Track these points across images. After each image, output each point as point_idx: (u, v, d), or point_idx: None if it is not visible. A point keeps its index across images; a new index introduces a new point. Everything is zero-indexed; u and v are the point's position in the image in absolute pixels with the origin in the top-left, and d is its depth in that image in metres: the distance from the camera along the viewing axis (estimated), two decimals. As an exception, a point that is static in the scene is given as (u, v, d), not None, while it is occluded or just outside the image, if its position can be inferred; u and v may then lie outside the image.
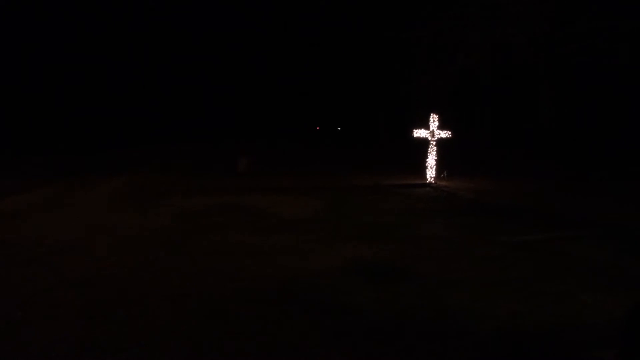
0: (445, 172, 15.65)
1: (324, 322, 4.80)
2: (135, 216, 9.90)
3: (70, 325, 4.72)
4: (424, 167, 15.05)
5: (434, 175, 14.93)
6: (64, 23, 27.86)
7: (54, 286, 5.77)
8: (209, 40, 31.51)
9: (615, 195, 13.04)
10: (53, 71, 27.44)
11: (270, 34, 30.81)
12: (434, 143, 14.87)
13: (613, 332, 4.16)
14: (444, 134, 14.81)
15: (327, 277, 6.14)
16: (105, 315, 4.93)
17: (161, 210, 10.45)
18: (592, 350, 4.10)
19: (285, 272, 6.34)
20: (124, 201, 11.64)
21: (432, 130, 14.76)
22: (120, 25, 29.88)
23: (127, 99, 31.05)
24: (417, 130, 14.81)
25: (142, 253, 7.18)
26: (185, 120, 30.81)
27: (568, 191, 13.68)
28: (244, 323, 4.77)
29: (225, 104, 32.44)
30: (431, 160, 14.90)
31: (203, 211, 10.38)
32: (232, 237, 8.19)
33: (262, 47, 31.53)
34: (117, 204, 11.33)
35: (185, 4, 30.33)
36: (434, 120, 14.80)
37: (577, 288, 5.79)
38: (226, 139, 27.47)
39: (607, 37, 18.29)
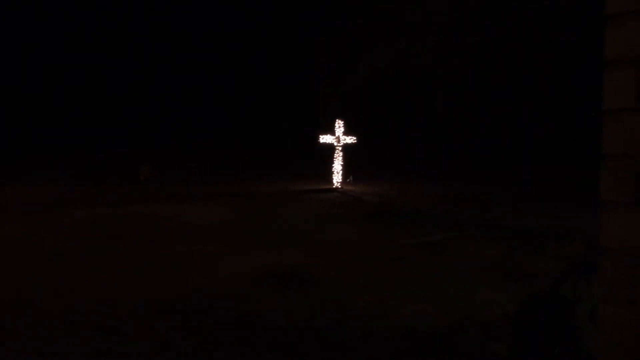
0: (350, 176, 15.96)
1: (230, 331, 4.70)
2: (24, 229, 9.20)
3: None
4: (330, 172, 15.26)
5: (340, 180, 15.18)
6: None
7: None
8: (115, 41, 30.10)
9: (510, 195, 13.90)
10: None
11: (172, 37, 29.97)
12: (340, 148, 15.13)
13: (507, 325, 4.40)
14: (349, 140, 15.11)
15: (234, 286, 6.03)
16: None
17: (53, 223, 9.78)
18: (488, 345, 4.31)
19: (190, 282, 6.16)
20: (10, 213, 10.78)
21: (338, 136, 15.02)
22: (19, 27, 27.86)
23: (16, 102, 28.92)
24: (322, 135, 15.01)
25: (32, 268, 6.67)
26: (81, 126, 29.09)
27: (467, 193, 14.42)
28: (143, 338, 4.56)
29: (124, 110, 31.03)
30: (337, 165, 15.15)
31: (101, 222, 9.86)
32: (132, 248, 7.83)
33: (166, 50, 30.59)
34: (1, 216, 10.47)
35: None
36: (339, 126, 15.07)
37: (475, 285, 6.10)
38: (126, 146, 26.32)
39: (499, 48, 19.58)
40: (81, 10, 28.70)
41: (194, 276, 6.42)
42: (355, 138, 15.18)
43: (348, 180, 15.87)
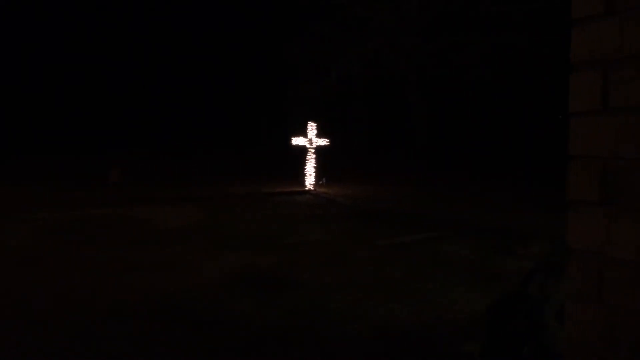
0: (323, 178, 15.98)
1: (202, 335, 4.65)
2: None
3: None
4: (303, 175, 15.25)
5: (313, 183, 15.18)
6: None
7: None
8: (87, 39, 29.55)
9: (484, 196, 14.09)
10: None
11: (147, 40, 29.63)
12: (313, 150, 15.13)
13: (480, 325, 4.45)
14: (322, 142, 15.13)
15: (208, 289, 5.97)
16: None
17: (21, 225, 9.54)
18: (461, 344, 4.35)
19: (163, 285, 6.07)
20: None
21: (311, 138, 15.02)
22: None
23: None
24: (295, 138, 15.00)
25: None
26: (51, 127, 28.48)
27: (439, 194, 14.57)
28: (113, 342, 4.47)
29: (95, 111, 30.50)
30: (310, 167, 15.15)
31: (71, 224, 9.65)
32: (104, 251, 7.69)
33: (141, 52, 30.22)
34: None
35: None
36: (312, 128, 15.08)
37: (448, 285, 6.15)
38: (97, 148, 25.89)
39: (468, 50, 19.88)
40: (45, 14, 28.17)
41: (165, 280, 6.33)
42: (327, 140, 15.21)
43: (321, 182, 15.87)
